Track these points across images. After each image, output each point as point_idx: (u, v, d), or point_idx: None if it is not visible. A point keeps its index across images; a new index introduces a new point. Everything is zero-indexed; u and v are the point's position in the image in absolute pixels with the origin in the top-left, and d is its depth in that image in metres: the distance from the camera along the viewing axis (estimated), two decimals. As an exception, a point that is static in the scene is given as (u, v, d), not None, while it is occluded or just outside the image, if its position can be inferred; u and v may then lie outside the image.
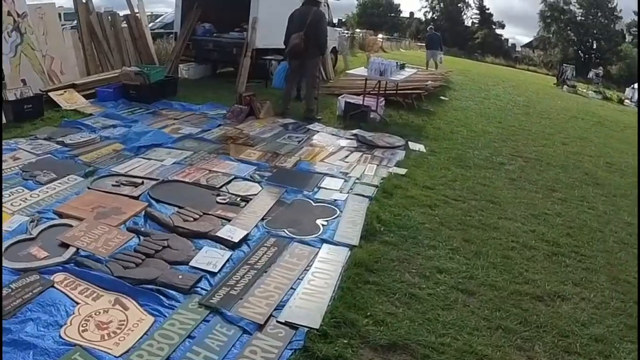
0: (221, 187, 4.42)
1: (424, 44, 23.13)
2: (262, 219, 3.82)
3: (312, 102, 7.37)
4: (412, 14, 65.20)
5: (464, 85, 15.29)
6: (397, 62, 7.73)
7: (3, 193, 4.18)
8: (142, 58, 9.00)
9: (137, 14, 9.04)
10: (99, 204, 3.87)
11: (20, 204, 3.94)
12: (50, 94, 6.87)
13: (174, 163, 4.95)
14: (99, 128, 6.11)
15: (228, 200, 4.10)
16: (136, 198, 4.05)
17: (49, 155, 5.10)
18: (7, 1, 6.39)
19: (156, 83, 7.58)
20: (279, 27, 7.37)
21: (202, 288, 2.89)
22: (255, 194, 4.30)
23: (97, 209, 3.80)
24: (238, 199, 4.14)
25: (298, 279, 3.05)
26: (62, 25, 9.39)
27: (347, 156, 5.76)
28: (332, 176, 4.95)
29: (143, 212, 3.78)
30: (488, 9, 60.68)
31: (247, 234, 3.53)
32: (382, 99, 7.93)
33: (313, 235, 3.60)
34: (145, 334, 2.51)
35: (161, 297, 2.78)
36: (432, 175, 5.37)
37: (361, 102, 7.49)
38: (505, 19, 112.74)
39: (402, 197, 4.56)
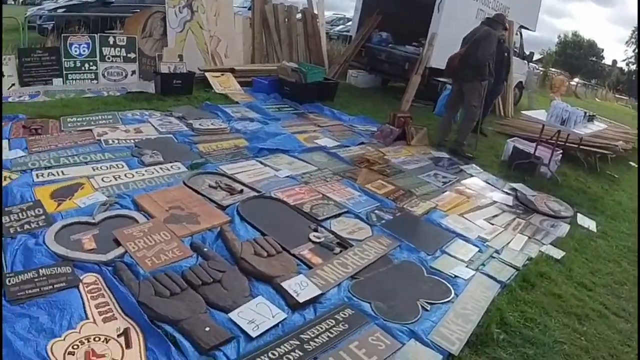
0: (324, 219, 3.68)
1: (623, 97, 19.78)
2: (352, 278, 2.99)
3: (464, 135, 6.34)
4: (614, 62, 57.15)
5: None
6: (585, 112, 6.22)
7: (103, 164, 4.07)
8: (312, 56, 8.80)
9: (314, 11, 8.90)
10: (179, 205, 3.46)
11: (110, 181, 3.75)
12: (207, 74, 6.95)
13: (287, 176, 4.38)
14: (236, 118, 5.91)
15: (322, 240, 3.36)
16: (223, 208, 3.57)
17: (170, 135, 4.97)
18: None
19: (313, 84, 7.24)
20: (458, 48, 6.53)
21: (224, 354, 2.23)
22: (360, 240, 3.46)
23: (173, 209, 3.40)
24: (335, 242, 3.37)
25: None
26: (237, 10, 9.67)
27: (495, 216, 4.54)
28: (465, 239, 3.84)
29: (219, 228, 3.27)
30: None
31: (320, 295, 2.74)
32: (560, 151, 6.47)
33: (404, 323, 2.68)
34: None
35: (172, 347, 2.20)
36: (595, 268, 3.96)
37: (532, 151, 6.17)
38: None
39: (545, 292, 3.35)
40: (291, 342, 2.34)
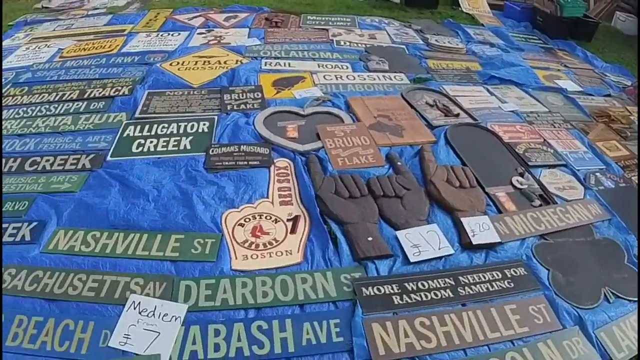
0: (535, 166, 3.23)
1: None
2: (540, 237, 2.58)
3: None
4: None
5: None
6: None
7: (329, 63, 4.23)
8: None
9: None
10: (388, 115, 3.42)
11: (330, 80, 3.91)
12: (457, -11, 6.57)
13: (512, 111, 3.94)
14: (475, 41, 5.50)
15: (525, 187, 2.97)
16: (432, 128, 3.41)
17: (403, 46, 4.88)
18: None
19: (569, 18, 6.27)
20: None
21: (376, 267, 2.20)
22: (567, 200, 2.94)
23: (381, 117, 3.38)
24: (537, 193, 2.95)
25: (485, 345, 1.99)
26: None
27: None
28: None
29: (420, 146, 3.16)
30: None
31: (498, 244, 2.45)
32: None
33: (576, 305, 2.18)
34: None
35: (330, 244, 2.29)
36: None
37: None
38: None
39: None
40: (447, 279, 2.20)
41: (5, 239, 2.27)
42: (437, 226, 2.50)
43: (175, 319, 1.87)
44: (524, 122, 3.84)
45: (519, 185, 2.99)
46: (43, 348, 1.78)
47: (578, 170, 3.34)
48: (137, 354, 1.76)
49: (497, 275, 2.27)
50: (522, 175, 3.12)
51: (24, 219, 2.40)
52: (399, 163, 2.92)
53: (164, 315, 1.88)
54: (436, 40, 5.12)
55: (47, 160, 2.87)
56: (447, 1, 6.61)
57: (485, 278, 2.25)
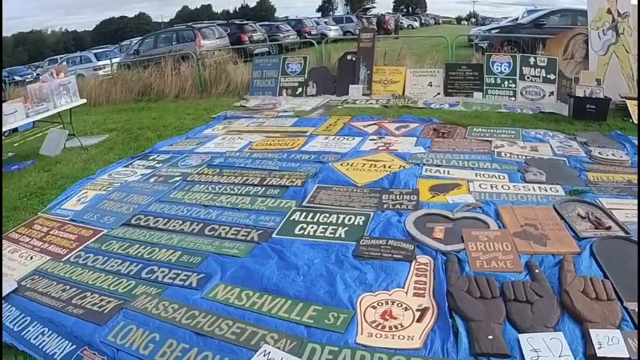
0: None
1: None
2: None
3: None
4: None
5: None
6: None
7: (487, 172, 4.41)
8: None
9: None
10: (535, 224, 3.43)
11: (485, 188, 4.08)
12: (628, 102, 6.33)
13: None
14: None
15: None
16: (580, 239, 3.35)
17: (564, 159, 4.83)
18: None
19: None
20: None
21: None
22: None
23: (528, 227, 3.41)
24: None
25: None
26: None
27: None
28: None
29: (562, 257, 3.12)
30: None
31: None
32: None
33: None
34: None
35: (451, 337, 2.39)
36: None
37: None
38: None
39: None
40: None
41: (176, 281, 3.00)
42: (562, 335, 2.44)
43: (295, 371, 2.17)
44: None
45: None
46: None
47: None
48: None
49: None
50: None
51: (194, 270, 3.09)
52: (536, 270, 2.94)
53: (286, 367, 2.20)
54: (599, 152, 4.97)
55: (224, 229, 3.62)
56: (619, 113, 6.38)
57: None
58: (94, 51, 22.57)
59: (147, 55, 14.51)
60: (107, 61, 17.13)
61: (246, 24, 22.10)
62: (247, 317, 2.57)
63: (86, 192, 4.67)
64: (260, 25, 23.30)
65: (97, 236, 3.75)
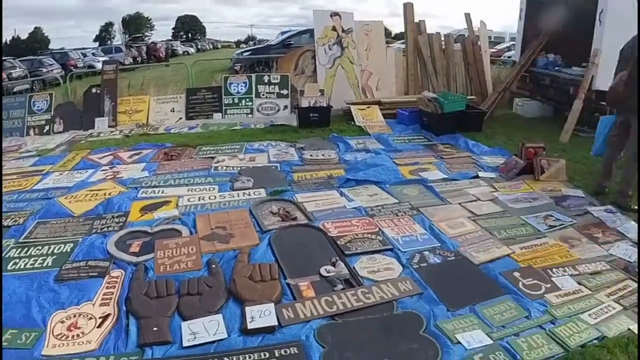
0: (353, 254, 3.74)
1: None
2: (331, 318, 2.98)
3: (629, 184, 5.05)
4: None
5: None
6: None
7: (199, 187, 5.05)
8: (473, 85, 8.70)
9: (476, 39, 8.77)
10: (225, 225, 4.10)
11: (193, 201, 4.65)
12: (353, 107, 7.60)
13: (355, 208, 4.57)
14: (354, 149, 6.36)
15: (331, 275, 3.46)
16: (263, 232, 4.06)
17: (276, 164, 5.72)
18: (334, 17, 7.51)
19: (452, 114, 7.19)
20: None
21: (152, 352, 2.75)
22: (376, 281, 3.41)
23: (217, 229, 4.04)
24: (342, 279, 3.45)
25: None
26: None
27: (596, 273, 3.56)
28: (518, 299, 3.16)
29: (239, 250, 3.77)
30: None
31: (275, 327, 2.92)
32: None
33: None
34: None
35: (123, 334, 2.90)
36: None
37: None
38: None
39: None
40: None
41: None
42: (222, 317, 3.01)
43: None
44: (365, 216, 4.42)
45: (325, 274, 3.46)
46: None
47: (404, 252, 3.80)
48: None
49: (265, 355, 2.64)
50: (333, 264, 3.59)
51: None
52: (213, 266, 3.58)
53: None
54: (310, 154, 5.97)
55: None
56: (345, 118, 7.61)
57: (251, 358, 2.63)
58: None
59: None
60: None
61: (4, 60, 20.51)
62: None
63: None
64: (20, 60, 21.75)
65: None
